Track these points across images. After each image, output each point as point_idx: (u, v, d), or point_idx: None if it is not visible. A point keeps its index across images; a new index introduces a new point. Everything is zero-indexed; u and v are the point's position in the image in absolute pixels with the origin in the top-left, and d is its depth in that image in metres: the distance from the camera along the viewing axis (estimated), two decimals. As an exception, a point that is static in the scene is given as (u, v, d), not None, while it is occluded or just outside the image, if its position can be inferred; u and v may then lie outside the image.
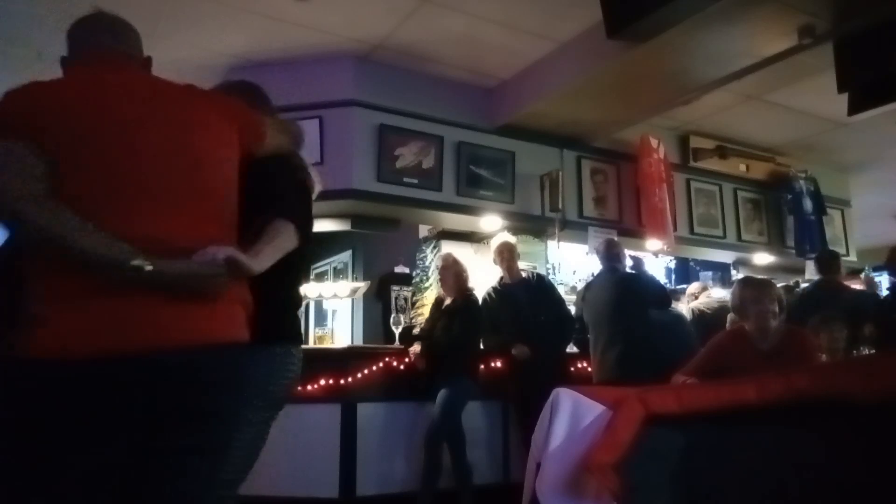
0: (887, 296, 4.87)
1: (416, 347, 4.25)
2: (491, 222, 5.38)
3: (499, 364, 4.45)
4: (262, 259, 1.49)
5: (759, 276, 5.08)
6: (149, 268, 1.26)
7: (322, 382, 4.08)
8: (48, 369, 1.23)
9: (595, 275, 4.90)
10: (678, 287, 6.38)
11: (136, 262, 1.25)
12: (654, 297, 4.49)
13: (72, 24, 1.57)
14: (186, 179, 1.41)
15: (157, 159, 1.39)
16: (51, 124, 1.34)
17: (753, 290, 3.13)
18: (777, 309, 3.02)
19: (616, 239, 4.83)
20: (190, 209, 1.41)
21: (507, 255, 4.61)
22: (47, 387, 1.24)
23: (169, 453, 1.32)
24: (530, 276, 4.79)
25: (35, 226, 1.25)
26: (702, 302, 5.47)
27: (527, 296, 4.55)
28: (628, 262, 4.88)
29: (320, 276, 6.99)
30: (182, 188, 1.41)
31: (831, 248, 6.81)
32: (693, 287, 5.88)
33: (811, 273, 6.88)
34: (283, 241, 1.58)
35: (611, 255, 4.58)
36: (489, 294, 4.61)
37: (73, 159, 1.33)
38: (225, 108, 1.58)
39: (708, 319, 5.04)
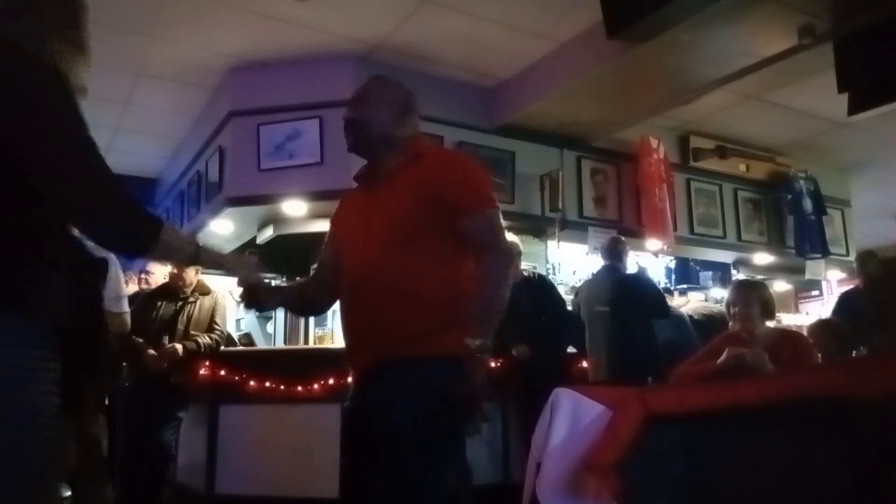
0: None
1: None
2: (491, 222, 5.36)
3: (499, 364, 4.45)
4: None
5: (750, 279, 5.08)
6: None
7: (322, 382, 4.08)
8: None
9: (594, 273, 4.89)
10: (677, 287, 6.38)
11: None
12: (652, 305, 4.46)
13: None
14: None
15: None
16: None
17: (735, 292, 3.20)
18: (759, 311, 3.05)
19: (622, 238, 4.81)
20: None
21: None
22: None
23: None
24: (531, 276, 4.79)
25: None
26: (692, 308, 5.46)
27: (528, 296, 4.53)
28: (631, 264, 4.86)
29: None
30: None
31: (831, 248, 6.83)
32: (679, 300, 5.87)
33: (812, 273, 6.91)
34: None
35: (613, 254, 4.56)
36: (489, 294, 4.60)
37: None
38: None
39: (700, 325, 5.04)
